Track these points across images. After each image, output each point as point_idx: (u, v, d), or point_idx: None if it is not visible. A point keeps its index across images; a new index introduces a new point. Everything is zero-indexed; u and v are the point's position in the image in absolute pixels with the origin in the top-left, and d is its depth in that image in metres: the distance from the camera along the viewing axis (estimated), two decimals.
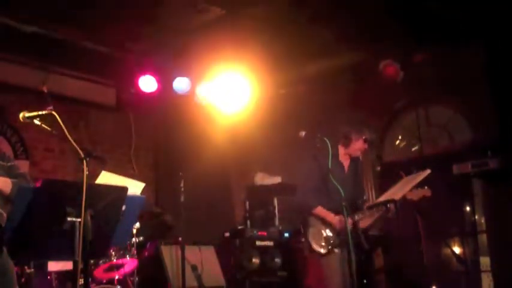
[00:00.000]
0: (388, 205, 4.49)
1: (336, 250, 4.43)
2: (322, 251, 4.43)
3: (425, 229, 4.82)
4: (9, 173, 3.67)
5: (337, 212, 4.40)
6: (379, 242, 6.38)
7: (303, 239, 4.62)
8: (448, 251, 6.56)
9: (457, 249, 6.76)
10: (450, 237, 6.79)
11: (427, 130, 7.18)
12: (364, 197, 4.73)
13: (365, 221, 4.51)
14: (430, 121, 7.20)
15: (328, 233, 4.46)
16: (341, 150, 4.66)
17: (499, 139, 6.19)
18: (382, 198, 4.61)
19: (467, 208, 6.82)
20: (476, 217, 6.73)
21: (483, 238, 6.61)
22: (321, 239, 4.45)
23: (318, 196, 4.50)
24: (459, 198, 6.78)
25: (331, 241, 4.44)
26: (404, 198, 4.43)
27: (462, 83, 6.44)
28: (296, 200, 4.66)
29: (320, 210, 4.47)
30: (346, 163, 4.68)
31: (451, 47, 6.33)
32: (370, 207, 4.53)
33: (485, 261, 6.50)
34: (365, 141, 4.57)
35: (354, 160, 4.71)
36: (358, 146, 4.59)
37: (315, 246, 4.45)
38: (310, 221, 4.53)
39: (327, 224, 4.46)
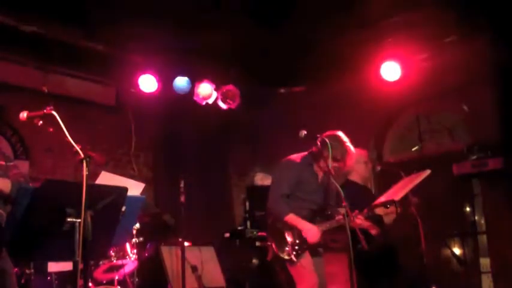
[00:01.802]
0: (388, 206, 4.48)
1: (303, 256, 4.30)
2: (287, 257, 4.30)
3: (425, 229, 4.81)
4: (8, 173, 3.67)
5: (309, 220, 4.34)
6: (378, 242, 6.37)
7: (268, 243, 4.49)
8: (448, 251, 6.54)
9: (457, 250, 6.75)
10: (450, 237, 6.79)
11: (427, 130, 7.17)
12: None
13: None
14: (430, 121, 7.19)
15: (293, 239, 4.32)
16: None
17: (499, 139, 6.19)
18: (382, 199, 4.60)
19: (467, 208, 6.81)
20: (476, 218, 6.72)
21: (483, 239, 6.60)
22: (285, 245, 4.31)
23: (290, 202, 4.38)
24: (459, 199, 6.77)
25: (297, 247, 4.30)
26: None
27: (462, 83, 6.44)
28: (267, 205, 4.48)
29: (291, 218, 4.32)
30: (320, 173, 4.57)
31: (450, 46, 6.33)
32: (370, 208, 4.52)
33: (485, 262, 6.50)
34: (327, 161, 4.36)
35: (326, 174, 4.52)
36: (323, 164, 4.42)
37: (279, 253, 4.32)
38: (275, 225, 4.40)
39: (295, 230, 4.32)
